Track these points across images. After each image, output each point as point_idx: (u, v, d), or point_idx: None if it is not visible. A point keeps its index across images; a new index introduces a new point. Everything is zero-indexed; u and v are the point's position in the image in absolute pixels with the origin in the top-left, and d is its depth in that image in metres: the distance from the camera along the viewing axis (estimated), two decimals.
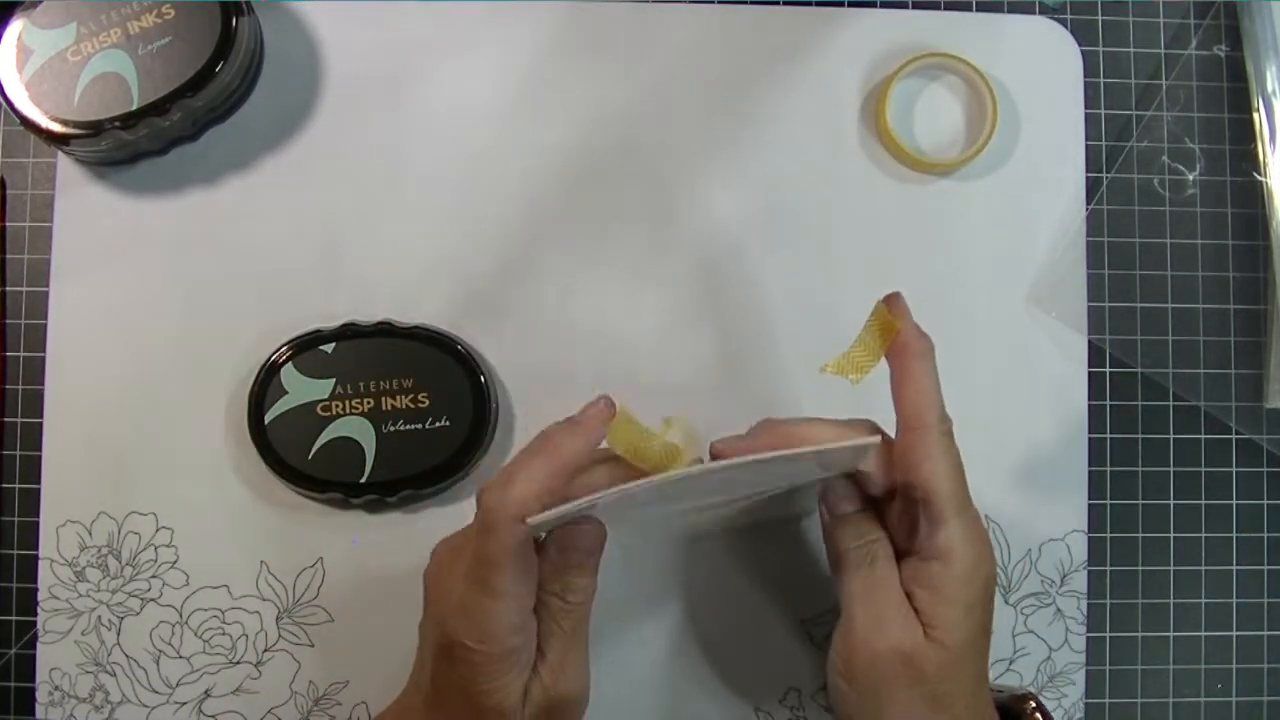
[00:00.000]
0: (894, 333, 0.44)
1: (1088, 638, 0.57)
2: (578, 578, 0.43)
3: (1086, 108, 0.59)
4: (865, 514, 0.46)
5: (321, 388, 0.53)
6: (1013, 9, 0.59)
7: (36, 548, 0.54)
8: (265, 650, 0.55)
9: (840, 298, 0.57)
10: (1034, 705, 0.48)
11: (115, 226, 0.56)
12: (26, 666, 0.54)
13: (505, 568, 0.40)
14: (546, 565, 0.43)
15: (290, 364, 0.53)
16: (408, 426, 0.53)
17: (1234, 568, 0.58)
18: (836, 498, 0.46)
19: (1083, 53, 0.59)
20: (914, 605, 0.43)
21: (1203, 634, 0.58)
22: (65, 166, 0.56)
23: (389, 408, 0.53)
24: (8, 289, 0.56)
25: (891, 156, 0.58)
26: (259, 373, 0.53)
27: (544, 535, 0.44)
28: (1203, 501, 0.58)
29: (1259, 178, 0.58)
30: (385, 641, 0.55)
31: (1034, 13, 0.59)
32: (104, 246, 0.55)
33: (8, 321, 0.55)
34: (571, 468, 0.42)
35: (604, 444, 0.45)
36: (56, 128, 0.51)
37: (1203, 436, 0.58)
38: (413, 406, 0.53)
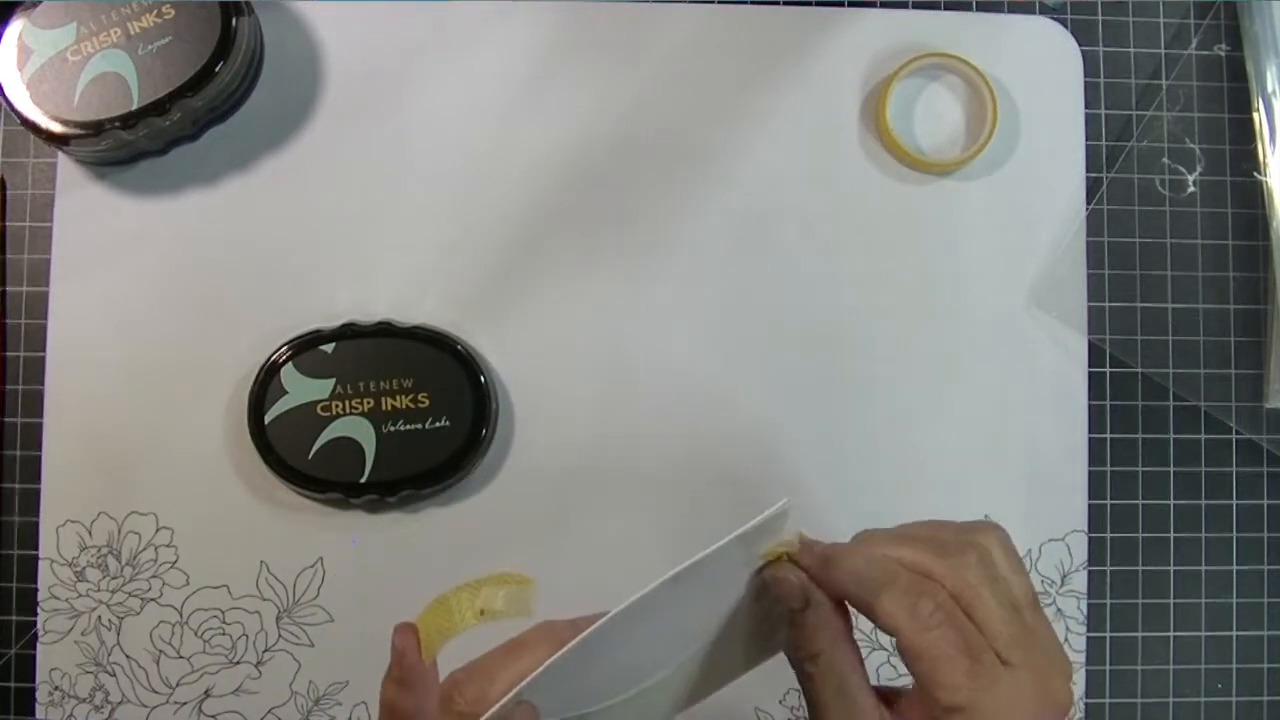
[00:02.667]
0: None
1: (1088, 638, 0.57)
2: None
3: (1086, 108, 0.59)
4: (811, 613, 0.38)
5: (321, 388, 0.53)
6: (1013, 9, 0.59)
7: (36, 548, 0.54)
8: (265, 650, 0.55)
9: (841, 297, 0.57)
10: None
11: (115, 226, 0.55)
12: (26, 666, 0.54)
13: None
14: None
15: (290, 364, 0.53)
16: (408, 426, 0.53)
17: (1234, 568, 0.58)
18: (781, 593, 0.38)
19: (1083, 53, 0.59)
20: None
21: (1203, 634, 0.58)
22: (65, 166, 0.56)
23: (389, 408, 0.53)
24: (8, 289, 0.56)
25: (891, 156, 0.58)
26: (259, 373, 0.53)
27: None
28: (1203, 501, 0.58)
29: (1259, 178, 0.58)
30: (385, 641, 0.54)
31: (1034, 13, 0.59)
32: (104, 246, 0.55)
33: (8, 321, 0.55)
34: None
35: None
36: (56, 128, 0.51)
37: (1203, 436, 0.58)
38: (413, 406, 0.53)
